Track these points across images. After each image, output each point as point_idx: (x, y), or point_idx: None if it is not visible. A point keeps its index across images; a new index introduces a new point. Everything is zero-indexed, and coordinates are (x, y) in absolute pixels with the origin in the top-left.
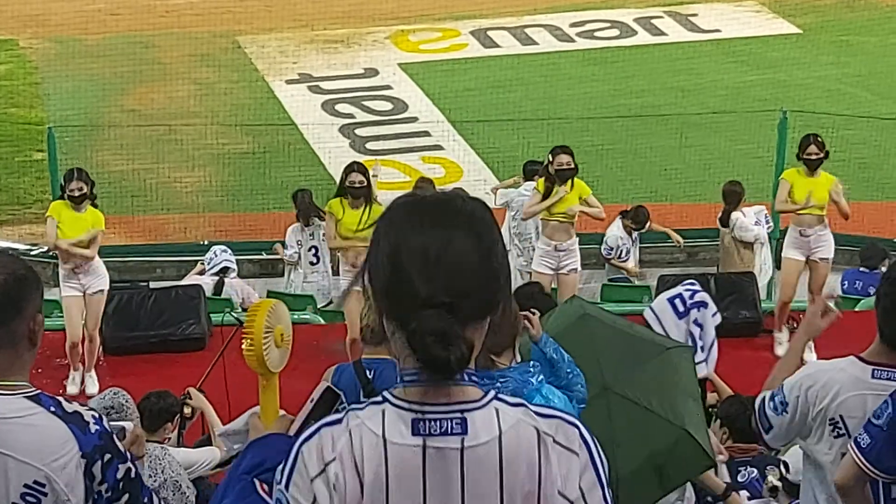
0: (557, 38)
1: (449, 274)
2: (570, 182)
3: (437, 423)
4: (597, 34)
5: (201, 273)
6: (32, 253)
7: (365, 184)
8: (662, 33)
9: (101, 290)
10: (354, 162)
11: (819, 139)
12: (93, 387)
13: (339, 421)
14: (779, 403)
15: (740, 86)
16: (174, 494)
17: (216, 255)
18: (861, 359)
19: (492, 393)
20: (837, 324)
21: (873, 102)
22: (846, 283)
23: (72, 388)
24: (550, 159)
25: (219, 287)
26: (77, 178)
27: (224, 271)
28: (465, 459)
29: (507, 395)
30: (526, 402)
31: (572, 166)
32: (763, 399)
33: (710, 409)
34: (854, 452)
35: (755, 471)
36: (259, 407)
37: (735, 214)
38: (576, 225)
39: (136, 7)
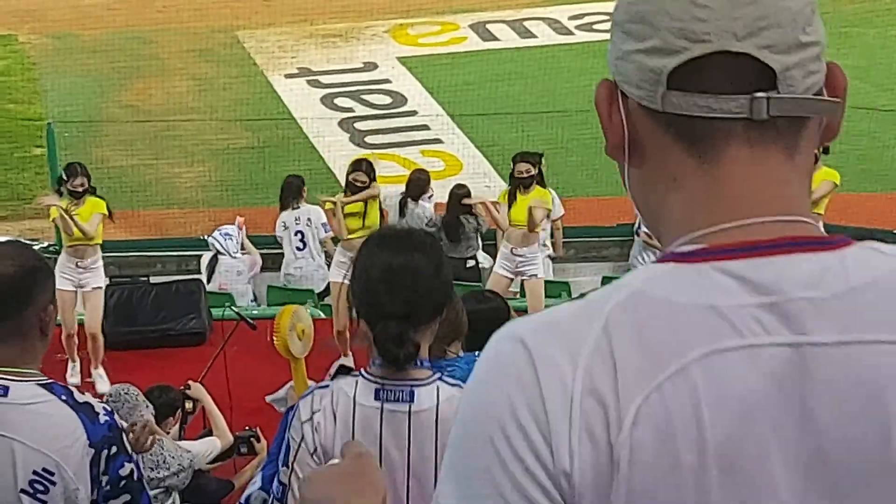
0: (556, 31)
1: (407, 289)
2: (531, 189)
3: (393, 392)
4: (596, 27)
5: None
6: (23, 244)
7: (367, 184)
8: None
9: (99, 287)
10: (364, 160)
11: None
12: (103, 385)
13: (326, 386)
14: None
15: None
16: (178, 476)
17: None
18: None
19: (436, 375)
20: None
21: (873, 94)
22: None
23: (72, 380)
24: (512, 167)
25: (212, 264)
26: (81, 173)
27: (215, 257)
28: (412, 420)
29: (450, 378)
30: (461, 384)
31: (532, 173)
32: None
33: None
34: None
35: None
36: (293, 382)
37: None
38: (541, 233)
39: (133, 2)
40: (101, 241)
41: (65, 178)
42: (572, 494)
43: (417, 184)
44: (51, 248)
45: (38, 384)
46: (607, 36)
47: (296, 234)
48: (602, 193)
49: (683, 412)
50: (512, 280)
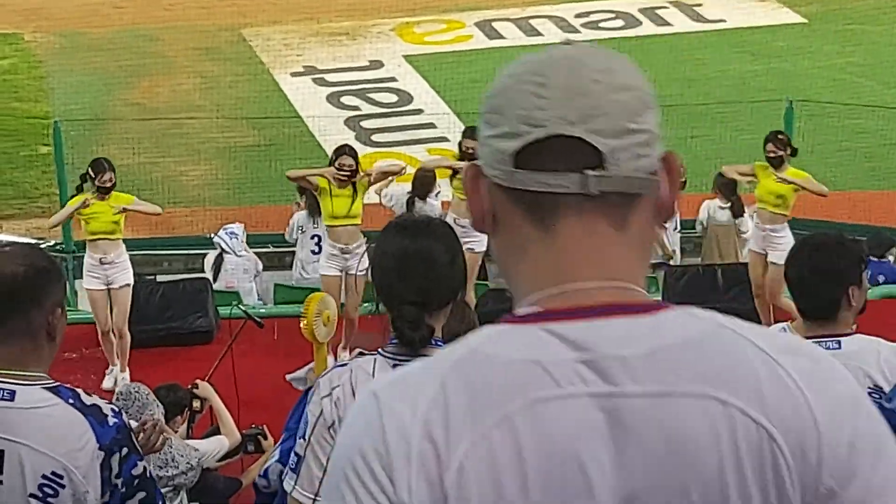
0: (562, 29)
1: (421, 276)
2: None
3: None
4: (601, 25)
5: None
6: (35, 246)
7: (354, 168)
8: (667, 23)
9: (128, 284)
10: (346, 145)
11: (780, 136)
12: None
13: (345, 364)
14: None
15: (746, 76)
16: (186, 475)
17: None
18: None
19: None
20: None
21: (878, 91)
22: None
23: (107, 383)
24: (460, 140)
25: (218, 262)
26: (109, 168)
27: (220, 255)
28: None
29: None
30: None
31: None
32: None
33: None
34: None
35: None
36: (314, 363)
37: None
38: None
39: (140, 0)
40: (122, 237)
41: (91, 174)
42: None
43: (424, 182)
44: (58, 247)
45: (45, 387)
46: (614, 34)
47: (312, 238)
48: None
49: (507, 454)
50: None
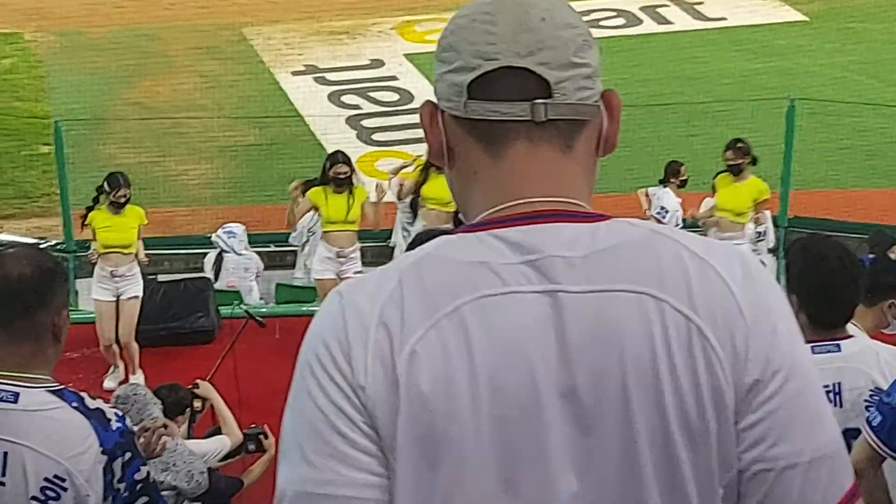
0: None
1: None
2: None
3: None
4: (602, 23)
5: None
6: (40, 247)
7: (349, 173)
8: (668, 22)
9: (137, 297)
10: (338, 152)
11: (739, 143)
12: None
13: None
14: None
15: (747, 74)
16: (188, 484)
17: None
18: None
19: None
20: None
21: (880, 89)
22: None
23: (109, 384)
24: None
25: (218, 262)
26: (124, 184)
27: (220, 255)
28: None
29: None
30: None
31: None
32: None
33: None
34: (866, 431)
35: None
36: None
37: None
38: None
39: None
40: (136, 251)
41: (107, 188)
42: (369, 403)
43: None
44: (59, 247)
45: (49, 390)
46: (614, 32)
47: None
48: (607, 190)
49: (456, 343)
50: None
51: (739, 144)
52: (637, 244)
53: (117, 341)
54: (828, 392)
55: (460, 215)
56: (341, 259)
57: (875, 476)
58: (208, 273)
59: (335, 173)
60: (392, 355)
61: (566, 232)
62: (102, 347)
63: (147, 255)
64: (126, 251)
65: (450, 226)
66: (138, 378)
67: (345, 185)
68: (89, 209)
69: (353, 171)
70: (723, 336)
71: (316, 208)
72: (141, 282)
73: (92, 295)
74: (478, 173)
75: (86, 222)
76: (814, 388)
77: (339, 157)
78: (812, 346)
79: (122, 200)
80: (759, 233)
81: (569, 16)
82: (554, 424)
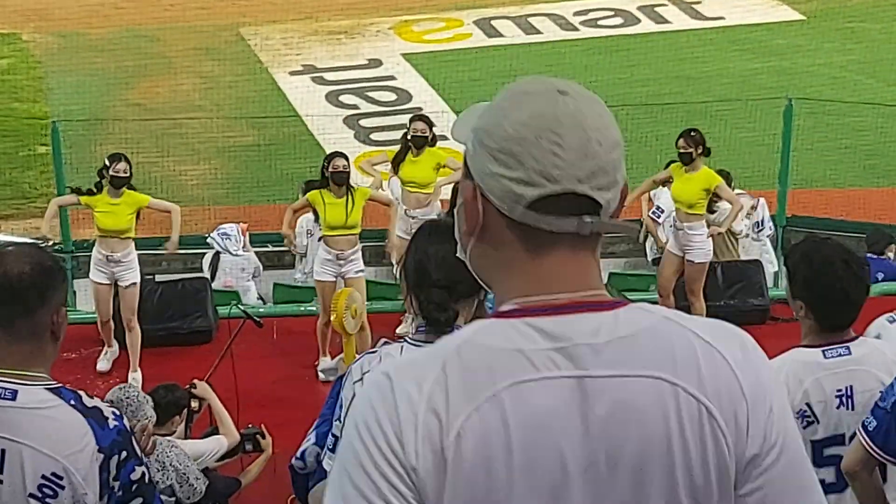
0: (561, 27)
1: (448, 269)
2: (423, 150)
3: None
4: (600, 23)
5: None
6: (44, 247)
7: (348, 169)
8: (666, 21)
9: (134, 283)
10: (335, 152)
11: (692, 133)
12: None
13: (374, 352)
14: None
15: (745, 73)
16: (181, 487)
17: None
18: (807, 346)
19: None
20: None
21: (878, 89)
22: None
23: (102, 366)
24: (408, 126)
25: (215, 263)
26: (124, 159)
27: (216, 256)
28: None
29: None
30: None
31: (427, 134)
32: None
33: None
34: (861, 436)
35: None
36: (344, 354)
37: (726, 204)
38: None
39: (139, 0)
40: (133, 236)
41: (107, 164)
42: (419, 483)
43: None
44: (56, 247)
45: (47, 388)
46: (612, 32)
47: (320, 241)
48: None
49: (496, 425)
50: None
51: (692, 133)
52: (653, 332)
53: (115, 319)
54: (840, 396)
55: (481, 283)
56: (341, 262)
57: (869, 478)
58: (205, 272)
59: (334, 167)
60: (441, 439)
61: (592, 321)
62: (100, 323)
63: (144, 254)
64: (122, 236)
65: (443, 213)
66: (136, 378)
67: (344, 181)
68: (90, 191)
69: (351, 167)
70: (728, 415)
71: (314, 211)
72: (137, 267)
73: (90, 275)
74: (513, 264)
75: (83, 202)
76: (802, 459)
77: (336, 154)
78: (824, 351)
79: (121, 175)
80: (757, 223)
81: (615, 131)
82: (576, 497)
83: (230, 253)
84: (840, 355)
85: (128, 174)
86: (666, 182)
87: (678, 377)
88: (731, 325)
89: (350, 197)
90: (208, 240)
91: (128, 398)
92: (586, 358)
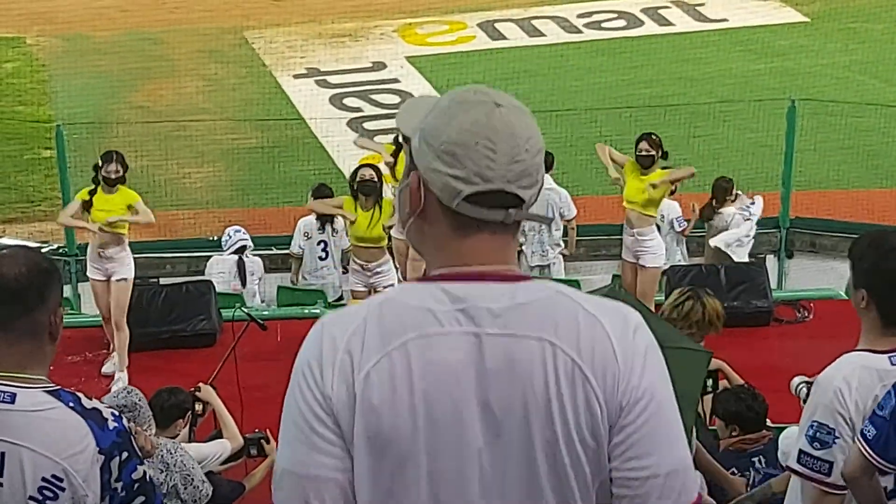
0: (565, 30)
1: None
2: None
3: None
4: (604, 25)
5: None
6: (43, 251)
7: (375, 179)
8: (670, 23)
9: (125, 279)
10: (364, 163)
11: (653, 137)
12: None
13: None
14: (825, 436)
15: (748, 75)
16: (186, 489)
17: (230, 237)
18: (871, 351)
19: None
20: (850, 314)
21: (881, 89)
22: None
23: (108, 367)
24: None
25: (242, 267)
26: (115, 160)
27: (242, 250)
28: None
29: None
30: None
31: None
32: (798, 452)
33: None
34: (861, 444)
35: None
36: None
37: (729, 210)
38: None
39: (143, 3)
40: (125, 232)
41: (100, 164)
42: (334, 409)
43: None
44: (60, 251)
45: (45, 391)
46: (616, 34)
47: (318, 244)
48: (611, 192)
49: (401, 369)
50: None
51: (653, 136)
52: (545, 302)
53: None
54: None
55: (412, 251)
56: (368, 272)
57: (869, 484)
58: (233, 278)
59: (360, 178)
60: (353, 375)
61: (495, 290)
62: (103, 321)
63: (148, 257)
64: (114, 231)
65: None
66: (122, 379)
67: (370, 192)
68: (91, 191)
69: (380, 178)
70: (598, 374)
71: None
72: (130, 264)
73: (87, 272)
74: (442, 242)
75: (79, 199)
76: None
77: (365, 164)
78: (891, 357)
79: (112, 177)
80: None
81: (539, 139)
82: (471, 428)
83: (248, 256)
84: None
85: (119, 174)
86: (619, 174)
87: (558, 339)
88: (621, 305)
89: (378, 209)
90: (237, 236)
91: (129, 395)
92: (484, 318)
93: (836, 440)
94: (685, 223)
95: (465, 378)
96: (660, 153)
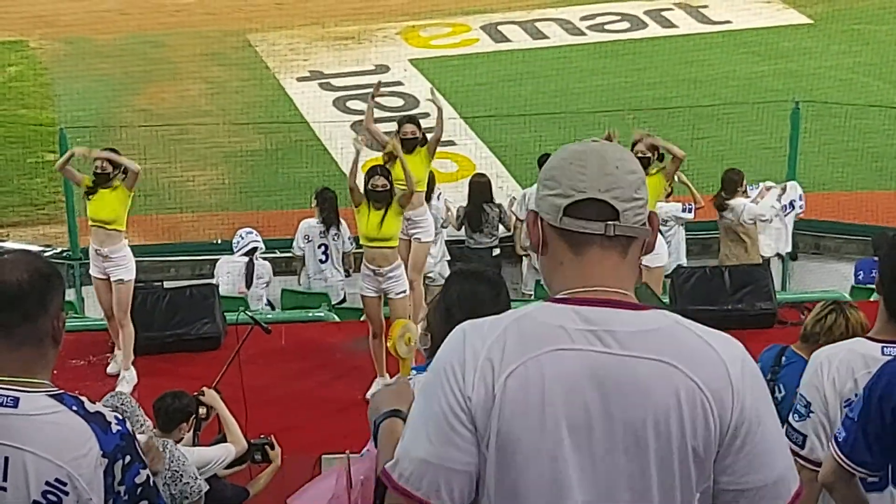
0: (568, 32)
1: (473, 308)
2: (414, 151)
3: None
4: (607, 27)
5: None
6: (46, 255)
7: (388, 187)
8: (673, 25)
9: (121, 280)
10: (378, 166)
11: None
12: (125, 387)
13: (423, 368)
14: (802, 408)
15: (752, 77)
16: (175, 485)
17: (242, 238)
18: (868, 338)
19: None
20: None
21: (885, 91)
22: (861, 272)
23: (112, 368)
24: (397, 129)
25: (250, 269)
26: (107, 157)
27: (252, 252)
28: None
29: None
30: None
31: (417, 136)
32: (786, 425)
33: None
34: (832, 447)
35: None
36: (400, 373)
37: (738, 201)
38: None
39: (146, 6)
40: (121, 229)
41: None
42: (473, 409)
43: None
44: (65, 254)
45: (48, 395)
46: (619, 36)
47: (319, 247)
48: None
49: (535, 377)
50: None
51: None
52: (664, 329)
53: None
54: None
55: (543, 285)
56: (380, 277)
57: (847, 489)
58: (240, 281)
59: (373, 186)
60: (493, 380)
61: (622, 315)
62: (106, 318)
63: (152, 261)
64: (108, 227)
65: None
66: (128, 378)
67: (383, 199)
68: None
69: (392, 185)
70: (715, 395)
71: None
72: (128, 265)
73: (90, 271)
74: (563, 264)
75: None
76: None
77: (377, 170)
78: (883, 347)
79: (99, 171)
80: (785, 206)
81: (633, 164)
82: (592, 435)
83: (259, 258)
84: None
85: (108, 171)
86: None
87: (680, 363)
88: (730, 337)
89: (385, 213)
90: (249, 238)
91: (122, 405)
92: (611, 340)
93: (810, 413)
94: (691, 207)
95: (591, 390)
96: (656, 155)
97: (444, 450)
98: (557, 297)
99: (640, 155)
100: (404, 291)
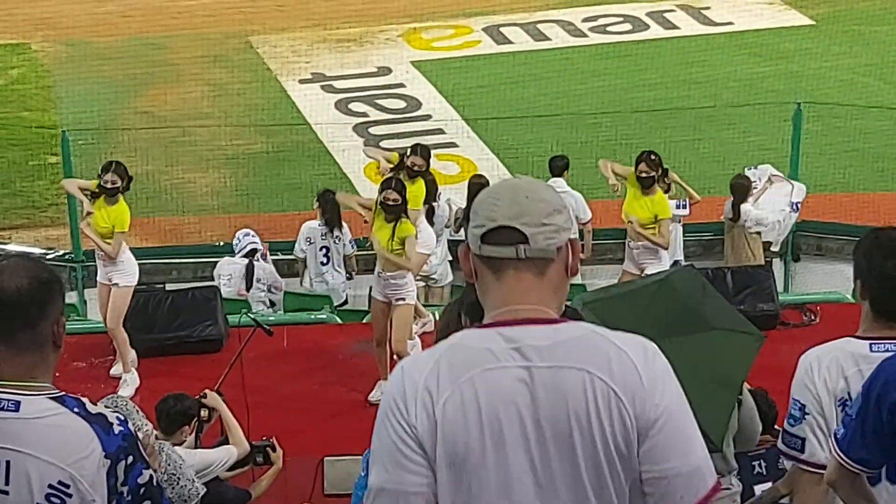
0: (570, 34)
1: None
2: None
3: None
4: (609, 29)
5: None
6: (49, 257)
7: (399, 202)
8: (675, 27)
9: (117, 284)
10: (393, 178)
11: (652, 157)
12: (127, 391)
13: None
14: (797, 411)
15: (754, 78)
16: (172, 488)
17: (240, 240)
18: (857, 337)
19: None
20: (857, 318)
21: (887, 92)
22: None
23: (116, 370)
24: (408, 154)
25: (249, 271)
26: (113, 170)
27: (252, 253)
28: None
29: None
30: None
31: (423, 169)
32: (781, 432)
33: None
34: (832, 445)
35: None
36: None
37: (745, 207)
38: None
39: (147, 8)
40: (124, 229)
41: (100, 172)
42: (419, 436)
43: (427, 188)
44: (66, 257)
45: (50, 397)
46: (621, 38)
47: (321, 249)
48: (616, 196)
49: (469, 398)
50: None
51: (652, 156)
52: (580, 340)
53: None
54: None
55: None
56: (384, 281)
57: (851, 487)
58: (240, 282)
59: (384, 199)
60: (432, 407)
61: (539, 331)
62: (104, 324)
63: (154, 263)
64: (108, 240)
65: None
66: (128, 380)
67: (394, 212)
68: (95, 193)
69: (405, 200)
70: (628, 395)
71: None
72: (129, 271)
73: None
74: (489, 287)
75: (89, 191)
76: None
77: (391, 184)
78: (871, 344)
79: (108, 186)
80: (794, 204)
81: (545, 194)
82: (528, 442)
83: (261, 260)
84: (888, 350)
85: (116, 185)
86: (617, 180)
87: (595, 369)
88: (641, 338)
89: (396, 226)
90: (246, 240)
91: (117, 408)
92: (532, 354)
93: (805, 416)
94: (685, 202)
95: (521, 402)
96: (659, 172)
97: (398, 475)
98: (483, 322)
99: (643, 175)
100: (403, 299)
